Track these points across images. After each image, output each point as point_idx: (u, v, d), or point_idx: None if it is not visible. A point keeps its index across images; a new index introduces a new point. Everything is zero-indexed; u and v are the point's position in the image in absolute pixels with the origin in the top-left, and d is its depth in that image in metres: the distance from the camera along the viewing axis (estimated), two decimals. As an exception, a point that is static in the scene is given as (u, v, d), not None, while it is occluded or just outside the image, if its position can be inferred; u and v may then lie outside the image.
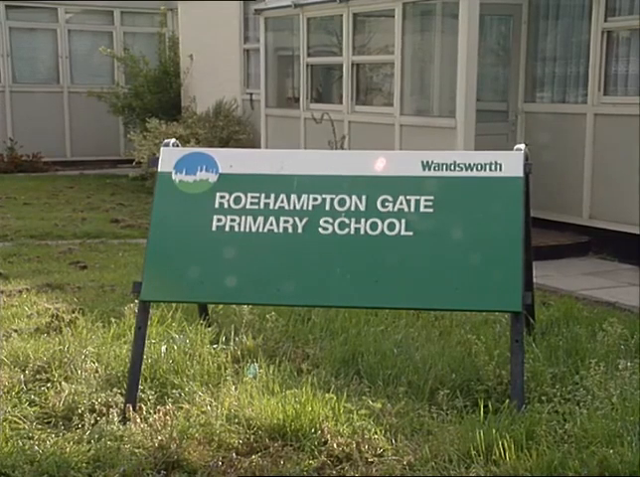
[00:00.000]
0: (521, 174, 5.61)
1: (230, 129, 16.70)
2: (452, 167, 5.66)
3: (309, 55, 13.90)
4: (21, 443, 5.01)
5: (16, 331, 7.16)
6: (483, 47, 10.76)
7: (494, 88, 11.84)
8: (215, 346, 6.40)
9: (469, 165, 5.67)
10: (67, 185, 17.82)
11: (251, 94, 17.04)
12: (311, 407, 5.17)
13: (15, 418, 5.36)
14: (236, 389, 5.55)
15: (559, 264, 9.53)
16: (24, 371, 6.16)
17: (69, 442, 5.01)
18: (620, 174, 10.45)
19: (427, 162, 5.68)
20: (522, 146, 5.81)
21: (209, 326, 6.78)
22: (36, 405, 5.57)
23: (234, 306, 7.01)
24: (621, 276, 9.67)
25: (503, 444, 4.69)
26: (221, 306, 7.14)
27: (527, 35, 11.75)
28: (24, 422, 5.31)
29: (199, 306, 6.92)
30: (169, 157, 5.95)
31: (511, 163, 5.67)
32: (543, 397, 5.47)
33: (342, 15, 12.92)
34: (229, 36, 17.94)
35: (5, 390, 5.83)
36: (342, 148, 12.04)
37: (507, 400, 5.28)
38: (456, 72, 10.74)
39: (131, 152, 18.56)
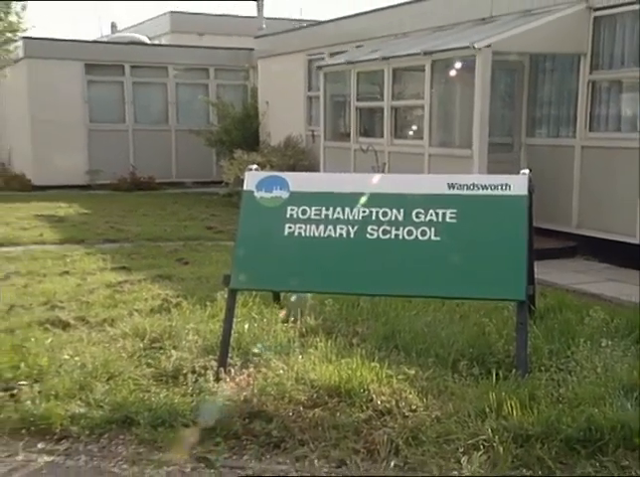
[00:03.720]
0: (525, 193, 5.60)
1: (296, 157, 16.77)
2: (471, 187, 5.66)
3: (358, 100, 13.93)
4: (141, 395, 5.13)
5: (137, 310, 7.28)
6: (493, 93, 10.72)
7: (502, 126, 11.78)
8: (285, 324, 6.45)
9: (484, 185, 5.66)
10: (172, 200, 17.99)
11: (313, 131, 17.08)
12: (360, 373, 5.20)
13: (136, 376, 5.47)
14: (302, 357, 5.59)
15: (553, 264, 9.45)
16: (142, 340, 6.28)
17: (176, 395, 5.13)
18: (601, 192, 10.39)
19: (452, 183, 5.69)
20: (526, 171, 5.78)
21: (281, 309, 6.81)
22: (151, 367, 5.66)
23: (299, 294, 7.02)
24: (602, 274, 9.59)
25: (510, 404, 4.69)
26: (290, 294, 7.12)
27: (528, 84, 11.74)
28: (143, 380, 5.42)
29: (273, 293, 6.98)
30: (252, 179, 6.02)
31: (517, 184, 5.64)
32: (542, 368, 5.45)
33: (383, 70, 12.95)
34: (296, 86, 18.03)
35: (129, 355, 5.96)
36: (383, 172, 12.09)
37: (513, 370, 5.27)
38: (472, 112, 10.73)
39: (221, 175, 18.71)
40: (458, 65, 11.38)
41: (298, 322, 6.46)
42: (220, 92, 21.78)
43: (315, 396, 4.96)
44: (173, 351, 5.89)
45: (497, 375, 5.15)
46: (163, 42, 27.03)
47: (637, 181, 9.66)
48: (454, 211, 5.57)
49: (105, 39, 27.42)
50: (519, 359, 5.36)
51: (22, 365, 5.53)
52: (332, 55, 15.92)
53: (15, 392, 5.18)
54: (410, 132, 12.85)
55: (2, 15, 18.92)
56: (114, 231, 13.01)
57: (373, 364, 5.38)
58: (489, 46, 10.44)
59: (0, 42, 19.25)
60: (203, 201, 17.31)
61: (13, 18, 19.16)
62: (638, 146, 9.65)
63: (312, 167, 15.35)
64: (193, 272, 9.31)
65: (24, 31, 19.57)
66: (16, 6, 19.01)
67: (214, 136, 20.11)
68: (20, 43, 19.93)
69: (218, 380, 5.27)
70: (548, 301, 7.24)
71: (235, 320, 5.82)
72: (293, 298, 6.92)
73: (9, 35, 19.31)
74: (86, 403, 5.01)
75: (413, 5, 14.18)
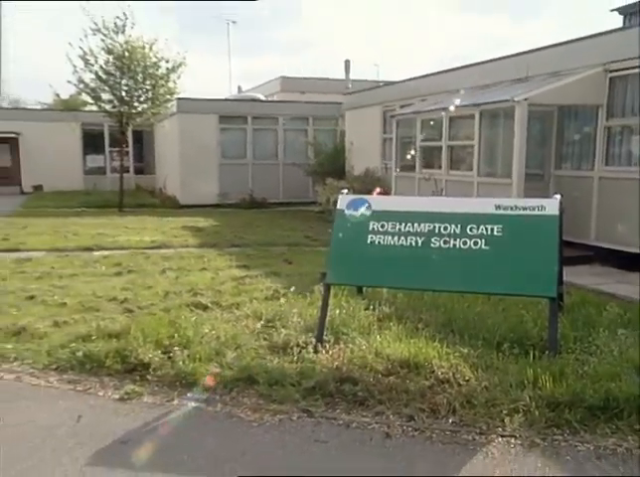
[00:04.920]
0: (557, 213, 5.45)
1: (373, 184, 16.50)
2: (514, 208, 5.54)
3: (421, 140, 13.82)
4: (260, 361, 5.19)
5: (255, 298, 7.38)
6: (528, 135, 10.53)
7: (535, 160, 11.48)
8: (366, 311, 6.38)
9: (524, 207, 5.54)
10: (279, 216, 18.15)
11: (386, 164, 16.99)
12: (424, 350, 5.15)
13: (256, 347, 5.55)
14: (379, 337, 5.56)
15: (575, 269, 9.07)
16: (260, 320, 6.36)
17: (285, 362, 5.20)
18: (614, 213, 10.04)
19: (498, 205, 5.58)
20: (558, 196, 5.62)
21: (363, 300, 6.75)
22: (267, 340, 5.72)
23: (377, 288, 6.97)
24: (614, 277, 9.23)
25: (544, 377, 4.57)
26: (370, 288, 7.07)
27: (556, 128, 11.43)
28: (261, 350, 5.49)
29: (357, 288, 6.93)
30: (343, 200, 6.03)
31: (550, 206, 5.49)
32: (569, 350, 5.29)
33: (442, 118, 12.84)
34: (374, 130, 17.98)
35: (250, 331, 6.07)
36: (441, 196, 11.97)
37: (546, 351, 5.12)
38: (512, 150, 10.52)
39: (316, 197, 18.85)
40: (501, 113, 11.24)
41: (376, 310, 6.41)
42: (316, 135, 21.90)
43: (390, 366, 4.94)
44: (282, 329, 5.95)
45: (533, 355, 5.03)
46: (275, 99, 27.37)
47: None
48: (500, 226, 5.46)
49: (233, 97, 27.88)
50: (550, 343, 5.22)
51: (175, 335, 5.66)
52: (402, 106, 15.84)
53: (171, 355, 5.31)
54: (463, 165, 12.66)
55: (164, 83, 19.51)
56: (237, 238, 13.17)
57: (434, 344, 5.32)
58: (526, 99, 10.28)
59: (162, 101, 19.87)
60: (301, 216, 17.45)
61: (171, 84, 19.74)
62: None
63: (386, 192, 15.25)
64: (295, 270, 9.36)
65: (177, 94, 20.14)
66: (173, 77, 19.62)
67: (311, 168, 20.22)
68: (174, 102, 20.50)
69: (316, 352, 5.32)
70: (573, 298, 7.01)
71: (328, 307, 5.82)
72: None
73: (168, 97, 19.90)
74: (221, 365, 5.14)
75: (465, 69, 14.02)
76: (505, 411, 4.29)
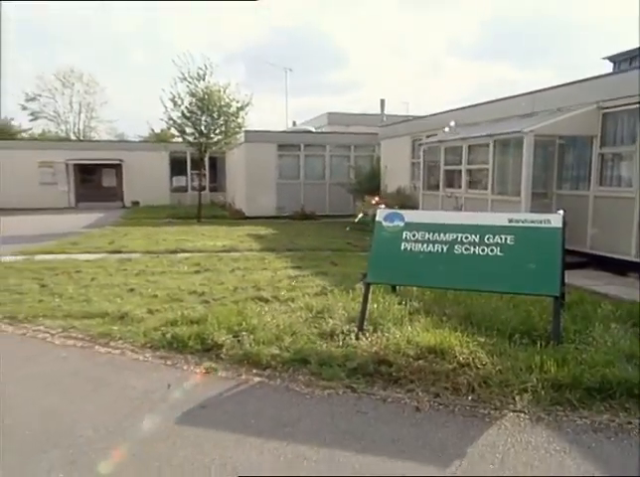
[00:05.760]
0: (560, 225, 5.31)
1: (403, 201, 16.48)
2: (524, 221, 5.41)
3: (445, 164, 13.66)
4: (311, 345, 5.17)
5: (307, 293, 7.34)
6: (534, 160, 10.35)
7: (540, 181, 11.21)
8: (399, 306, 6.32)
9: (533, 220, 5.41)
10: (325, 226, 18.14)
11: (414, 183, 16.82)
12: (448, 339, 5.06)
13: (308, 334, 5.51)
14: (410, 327, 5.47)
15: (573, 273, 8.83)
16: (311, 312, 6.34)
17: (332, 347, 5.15)
18: (606, 226, 9.80)
19: (511, 218, 5.45)
20: (561, 212, 5.49)
21: (396, 296, 6.70)
22: (316, 329, 5.68)
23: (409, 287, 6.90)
24: (607, 280, 8.94)
25: (549, 363, 4.48)
26: (402, 287, 7.01)
27: (557, 155, 11.17)
28: (312, 336, 5.45)
29: (392, 286, 6.87)
30: (381, 214, 5.98)
31: (555, 219, 5.35)
32: (569, 341, 5.14)
33: (462, 146, 12.70)
34: (404, 156, 17.85)
35: (303, 320, 6.04)
36: (460, 211, 11.82)
37: (551, 341, 5.00)
38: (521, 172, 10.35)
39: (355, 211, 18.74)
40: (512, 142, 11.06)
41: (407, 305, 6.35)
42: (356, 160, 21.83)
43: (419, 352, 4.87)
44: (329, 319, 5.91)
45: (539, 344, 4.91)
46: (323, 130, 27.41)
47: (631, 218, 9.24)
48: (512, 236, 5.35)
49: (289, 130, 28.07)
50: (554, 334, 5.09)
51: (243, 323, 5.69)
52: (427, 136, 15.68)
53: (240, 338, 5.35)
54: (479, 185, 12.47)
55: (234, 119, 19.80)
56: (292, 244, 13.18)
57: (456, 333, 5.22)
58: (532, 131, 10.15)
59: (232, 133, 20.21)
60: (343, 227, 17.40)
61: (240, 120, 20.03)
62: (631, 196, 9.30)
63: (414, 207, 15.11)
64: (339, 271, 9.30)
65: (245, 127, 20.42)
66: (242, 114, 19.91)
67: (352, 186, 20.13)
68: (242, 134, 20.77)
69: (357, 338, 5.26)
70: (572, 297, 6.82)
71: (368, 302, 5.79)
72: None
73: (237, 129, 20.21)
74: (279, 348, 5.13)
75: (481, 106, 13.81)
76: (516, 391, 4.22)
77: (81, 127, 47.88)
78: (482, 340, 5.12)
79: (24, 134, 43.62)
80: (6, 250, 11.99)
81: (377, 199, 17.03)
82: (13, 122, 43.65)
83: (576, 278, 8.42)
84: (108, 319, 6.32)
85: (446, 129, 11.92)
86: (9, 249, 12.14)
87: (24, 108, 45.75)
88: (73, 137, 45.88)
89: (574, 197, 10.62)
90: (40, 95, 46.08)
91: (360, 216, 18.28)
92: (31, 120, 46.17)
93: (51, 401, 4.30)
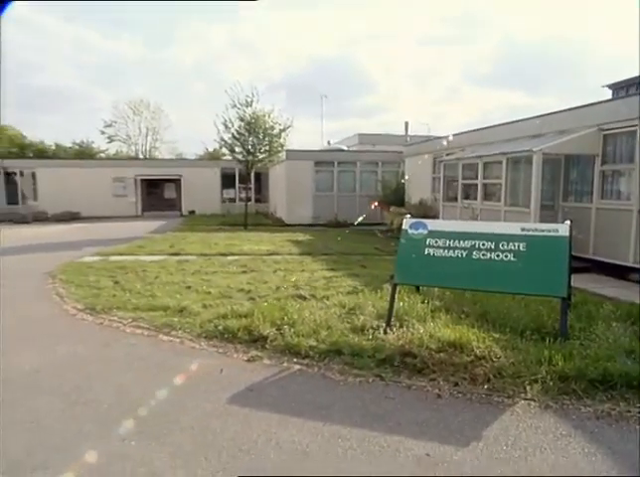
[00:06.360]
0: (567, 234, 5.19)
1: (425, 211, 16.30)
2: (535, 230, 5.31)
3: (462, 178, 13.46)
4: (344, 338, 5.14)
5: (340, 292, 7.31)
6: (542, 176, 10.13)
7: (548, 194, 10.95)
8: (422, 304, 6.26)
9: (543, 229, 5.30)
10: (355, 233, 17.99)
11: (435, 196, 16.61)
12: (466, 334, 4.98)
13: (341, 328, 5.49)
14: (432, 324, 5.41)
15: (577, 277, 8.52)
16: (343, 309, 6.31)
17: (362, 340, 5.12)
18: (607, 234, 9.52)
19: (523, 227, 5.36)
20: (568, 222, 5.34)
21: (419, 296, 6.64)
22: (349, 324, 5.64)
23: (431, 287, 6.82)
24: (607, 283, 8.68)
25: (556, 357, 4.37)
26: (425, 287, 6.94)
27: (563, 171, 10.88)
28: (345, 330, 5.43)
29: (416, 287, 6.80)
30: (407, 222, 5.92)
31: (562, 229, 5.23)
32: (575, 337, 5.02)
33: (478, 163, 12.51)
34: (426, 171, 17.65)
35: (337, 316, 6.00)
36: (476, 220, 11.63)
37: (558, 338, 4.87)
38: (530, 186, 10.15)
39: (382, 220, 18.75)
40: (522, 159, 10.84)
41: (430, 304, 6.28)
42: (383, 175, 21.65)
43: (440, 345, 4.81)
44: (360, 315, 5.88)
45: (548, 340, 4.80)
46: (354, 149, 27.38)
47: (629, 228, 9.00)
48: (524, 243, 5.24)
49: (324, 149, 28.14)
50: (562, 331, 4.97)
51: (284, 317, 5.71)
52: (447, 154, 15.48)
53: (282, 331, 5.37)
54: (493, 197, 12.25)
55: (276, 139, 19.97)
56: (326, 248, 13.12)
57: (473, 330, 5.15)
58: (541, 150, 9.95)
59: (275, 152, 20.37)
60: (371, 234, 17.36)
61: (282, 140, 20.19)
62: (630, 208, 9.06)
63: (435, 217, 14.89)
64: (369, 273, 9.24)
65: (286, 146, 20.58)
66: (283, 135, 20.08)
67: (379, 198, 19.98)
68: (284, 152, 20.91)
69: (385, 333, 5.23)
70: (576, 298, 6.63)
71: (394, 301, 5.75)
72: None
73: (279, 149, 20.38)
74: (316, 340, 5.13)
75: (494, 128, 13.61)
76: (527, 382, 4.14)
77: (148, 148, 49.12)
78: (496, 336, 5.02)
79: (102, 154, 45.06)
80: (87, 252, 12.40)
81: (402, 209, 16.94)
82: (93, 145, 45.26)
83: (581, 281, 8.18)
84: (170, 312, 6.44)
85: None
86: (89, 251, 12.55)
87: (102, 133, 47.39)
88: (140, 156, 47.11)
89: (578, 209, 10.34)
90: (115, 122, 47.63)
91: (386, 224, 18.23)
92: (107, 143, 47.73)
93: (124, 380, 4.43)
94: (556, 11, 68.74)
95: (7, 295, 7.81)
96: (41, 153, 40.41)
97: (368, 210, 20.83)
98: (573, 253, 9.42)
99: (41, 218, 25.48)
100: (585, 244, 9.89)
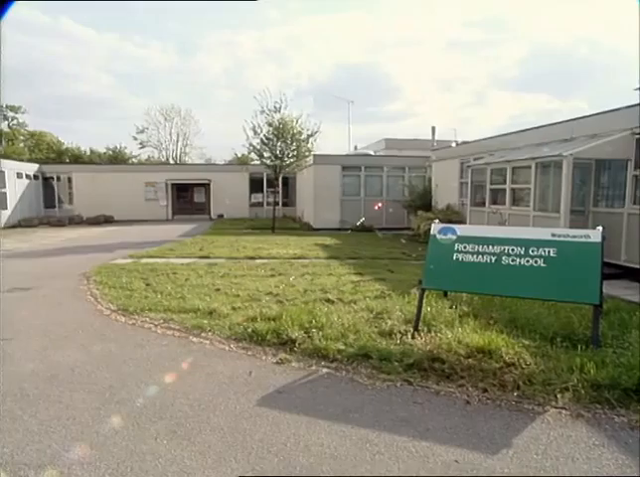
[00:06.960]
0: (600, 240, 5.05)
1: (452, 216, 16.15)
2: (566, 235, 5.18)
3: (490, 183, 13.24)
4: (372, 342, 5.12)
5: (367, 297, 7.29)
6: (573, 181, 9.90)
7: (578, 199, 10.69)
8: (450, 310, 6.20)
9: (574, 235, 5.17)
10: (382, 238, 17.95)
11: (463, 201, 16.43)
12: (495, 340, 4.90)
13: (369, 332, 5.47)
14: (460, 329, 5.35)
15: (609, 283, 8.34)
16: (371, 313, 6.30)
17: (390, 344, 5.10)
18: (638, 240, 9.21)
19: (554, 233, 5.24)
20: (600, 228, 5.20)
21: (447, 301, 6.58)
22: (377, 328, 5.61)
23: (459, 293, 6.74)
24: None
25: (589, 365, 4.27)
26: (453, 293, 6.86)
27: (594, 176, 10.59)
28: (373, 334, 5.40)
29: (444, 292, 6.73)
30: (435, 227, 5.86)
31: (594, 235, 5.10)
32: (607, 345, 4.90)
33: (506, 168, 12.30)
34: (453, 176, 17.47)
35: (364, 320, 5.99)
36: (505, 225, 11.44)
37: (590, 345, 4.78)
38: (560, 191, 9.93)
39: (409, 224, 18.58)
40: (552, 164, 10.61)
41: (458, 309, 6.21)
42: (410, 180, 21.51)
43: (469, 351, 4.75)
44: (388, 320, 5.86)
45: (579, 347, 4.71)
46: (381, 154, 27.31)
47: None
48: (555, 249, 5.13)
49: (351, 153, 28.13)
50: (594, 338, 4.86)
51: (313, 321, 5.71)
52: (475, 159, 15.29)
53: (310, 334, 5.38)
54: (522, 202, 12.03)
55: (303, 144, 20.07)
56: (353, 253, 13.10)
57: (502, 336, 5.07)
58: (571, 154, 9.74)
59: (303, 157, 20.53)
60: (398, 239, 17.23)
61: (309, 145, 20.29)
62: None
63: (461, 222, 14.73)
64: (396, 277, 9.17)
65: (314, 151, 20.70)
66: (311, 140, 20.22)
67: (406, 203, 19.88)
68: (311, 157, 21.00)
69: (413, 338, 5.20)
70: (609, 305, 6.46)
71: (422, 305, 5.71)
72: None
73: (307, 153, 20.51)
74: (345, 344, 5.12)
75: (522, 133, 13.39)
76: (557, 389, 4.05)
77: (178, 153, 50.09)
78: (526, 342, 4.93)
79: (134, 160, 46.17)
80: (120, 255, 12.70)
81: (429, 214, 16.80)
82: (125, 150, 46.43)
83: (612, 288, 7.96)
84: (200, 314, 6.52)
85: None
86: (122, 254, 12.85)
87: (134, 139, 48.57)
88: (171, 161, 48.11)
89: (609, 214, 10.06)
90: (147, 128, 48.80)
91: (413, 229, 18.07)
92: (140, 148, 48.91)
93: (156, 380, 4.52)
94: (584, 12, 67.25)
95: (46, 295, 8.08)
96: (76, 158, 41.75)
97: (395, 214, 20.79)
98: (605, 260, 9.23)
99: (76, 221, 26.28)
100: (617, 251, 9.62)
